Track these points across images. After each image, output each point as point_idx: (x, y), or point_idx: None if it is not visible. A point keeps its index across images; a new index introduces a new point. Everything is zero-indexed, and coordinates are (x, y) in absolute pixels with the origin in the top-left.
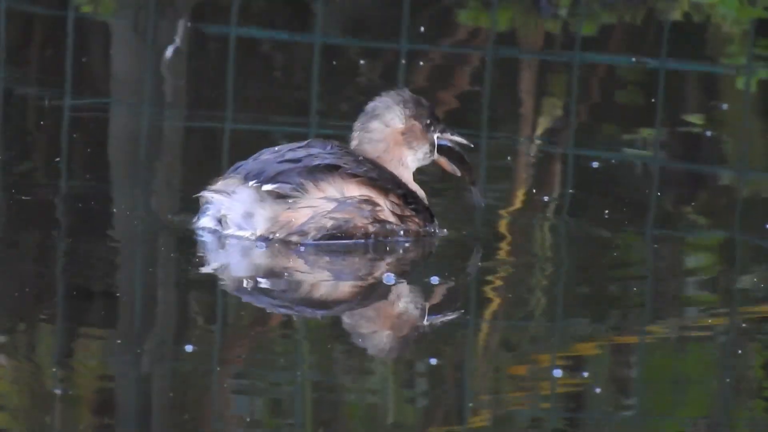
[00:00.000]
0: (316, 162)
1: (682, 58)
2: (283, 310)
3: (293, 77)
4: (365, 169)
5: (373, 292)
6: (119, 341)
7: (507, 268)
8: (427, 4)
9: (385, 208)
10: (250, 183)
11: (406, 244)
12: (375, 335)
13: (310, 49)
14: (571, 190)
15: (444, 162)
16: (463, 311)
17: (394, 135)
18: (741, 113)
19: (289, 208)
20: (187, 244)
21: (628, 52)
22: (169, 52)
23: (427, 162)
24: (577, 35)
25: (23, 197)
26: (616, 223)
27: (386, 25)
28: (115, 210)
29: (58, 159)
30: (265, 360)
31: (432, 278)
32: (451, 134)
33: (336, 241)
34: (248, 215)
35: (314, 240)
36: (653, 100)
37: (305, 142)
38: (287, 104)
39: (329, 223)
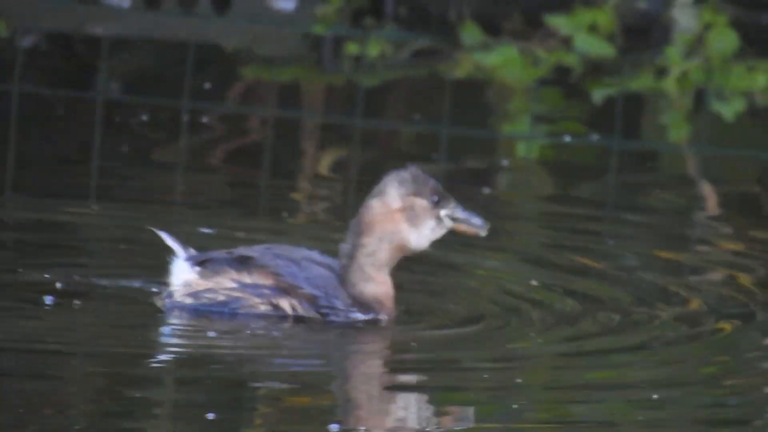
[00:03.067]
0: (238, 253)
1: (464, 119)
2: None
3: (76, 134)
4: (278, 262)
5: None
6: None
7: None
8: (211, 60)
9: (289, 299)
10: (187, 262)
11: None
12: None
13: (94, 106)
14: None
15: (463, 228)
16: None
17: (390, 213)
18: (522, 171)
19: (201, 278)
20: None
21: (412, 110)
22: None
23: (439, 235)
24: (360, 94)
25: None
26: None
27: (171, 81)
28: None
29: None
30: None
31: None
32: (463, 212)
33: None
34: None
35: (204, 306)
36: (434, 156)
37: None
38: (67, 158)
39: (221, 297)
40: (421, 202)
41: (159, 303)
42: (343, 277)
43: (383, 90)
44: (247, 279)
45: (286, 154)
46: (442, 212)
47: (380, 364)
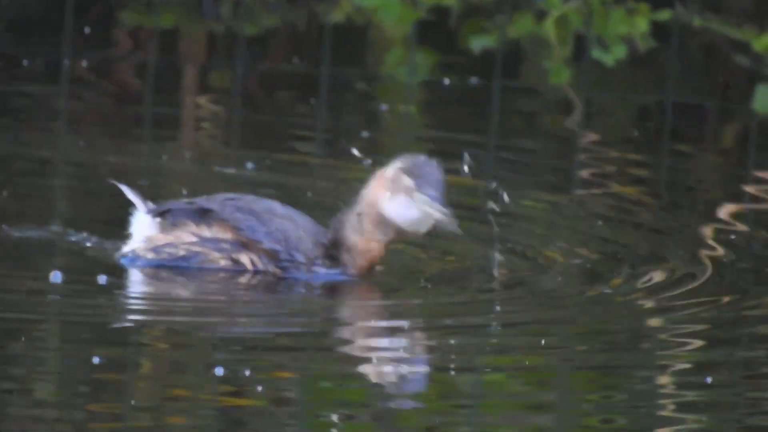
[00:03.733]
0: (199, 205)
1: (343, 61)
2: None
3: None
4: (237, 216)
5: None
6: None
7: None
8: (92, 3)
9: (249, 254)
10: (148, 215)
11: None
12: None
13: None
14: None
15: (435, 213)
16: None
17: (381, 178)
18: (401, 114)
19: (161, 231)
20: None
21: (292, 55)
22: None
23: (410, 219)
24: (241, 36)
25: None
26: None
27: (50, 25)
28: None
29: None
30: None
31: (54, 274)
32: (435, 201)
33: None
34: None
35: (165, 261)
36: (312, 102)
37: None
38: None
39: (181, 252)
40: (406, 180)
41: (117, 257)
42: (339, 219)
43: (263, 36)
44: (206, 233)
45: (167, 96)
46: (418, 193)
47: (288, 314)
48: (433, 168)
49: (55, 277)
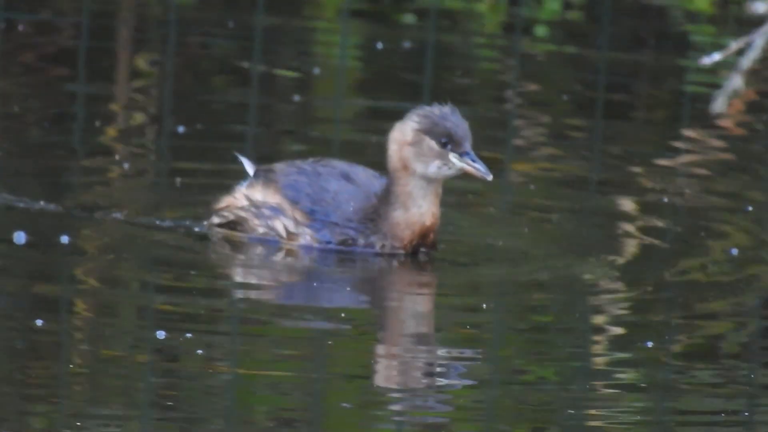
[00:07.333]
0: (268, 167)
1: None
2: None
3: None
4: (286, 179)
5: None
6: None
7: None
8: None
9: (282, 219)
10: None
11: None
12: None
13: None
14: None
15: (470, 170)
16: None
17: (402, 144)
18: (335, 77)
19: (228, 194)
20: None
21: (227, 16)
22: None
23: (448, 175)
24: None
25: None
26: None
27: None
28: None
29: None
30: None
31: (18, 235)
32: (471, 160)
33: (237, 232)
34: None
35: (218, 226)
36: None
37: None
38: None
39: (231, 217)
40: (430, 143)
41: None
42: (382, 198)
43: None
44: (258, 195)
45: (101, 58)
46: (451, 155)
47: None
48: (452, 118)
49: (19, 237)
